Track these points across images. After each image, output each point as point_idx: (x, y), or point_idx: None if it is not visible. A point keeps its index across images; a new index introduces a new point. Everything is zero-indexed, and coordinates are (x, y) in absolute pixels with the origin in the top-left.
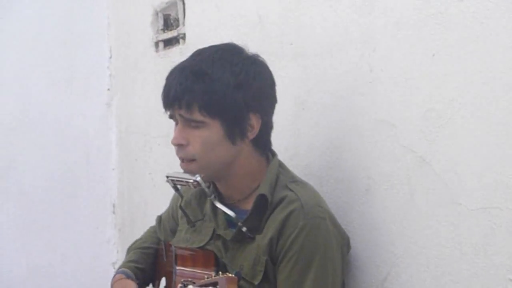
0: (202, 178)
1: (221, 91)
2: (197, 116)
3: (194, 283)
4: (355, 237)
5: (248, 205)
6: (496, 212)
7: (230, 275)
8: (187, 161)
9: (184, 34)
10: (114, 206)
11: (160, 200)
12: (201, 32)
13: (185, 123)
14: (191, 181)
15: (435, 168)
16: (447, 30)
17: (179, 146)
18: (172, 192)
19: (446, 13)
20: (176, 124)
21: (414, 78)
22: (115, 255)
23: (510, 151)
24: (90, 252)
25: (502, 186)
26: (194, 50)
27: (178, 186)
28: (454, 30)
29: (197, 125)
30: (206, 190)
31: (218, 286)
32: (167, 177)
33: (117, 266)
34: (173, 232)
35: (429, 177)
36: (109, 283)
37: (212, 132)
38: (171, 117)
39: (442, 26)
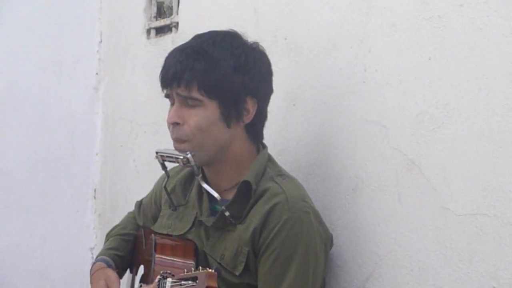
0: (192, 157)
1: (221, 71)
2: (195, 94)
3: (173, 275)
4: (339, 236)
5: (232, 195)
6: (483, 218)
7: (210, 270)
8: (181, 142)
9: (177, 22)
10: (95, 191)
11: (142, 187)
12: (194, 22)
13: (182, 102)
14: (181, 157)
15: (424, 172)
16: (444, 34)
17: (175, 125)
18: (156, 180)
19: (445, 17)
20: (172, 104)
21: (409, 80)
22: (93, 240)
23: (500, 159)
24: (69, 236)
25: (491, 193)
26: (186, 39)
27: (166, 164)
28: (452, 35)
29: (194, 104)
30: (195, 168)
31: (197, 281)
32: (157, 153)
33: (95, 251)
34: (154, 218)
35: (418, 181)
36: (86, 268)
37: (208, 112)
38: (167, 96)
39: (439, 30)
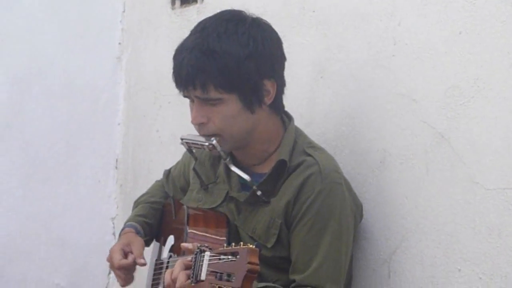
0: (218, 142)
1: (234, 65)
2: (214, 94)
3: (210, 249)
4: (367, 209)
5: (263, 169)
6: None
7: (251, 246)
8: (210, 137)
9: None
10: (117, 161)
11: (166, 158)
12: None
13: (202, 102)
14: (207, 144)
15: (453, 146)
16: (476, 8)
17: (200, 125)
18: (179, 151)
19: None
20: (192, 101)
21: (439, 54)
22: (114, 210)
23: None
24: (90, 205)
25: None
26: (212, 10)
27: (193, 149)
28: (483, 9)
29: (215, 102)
30: (222, 153)
31: (238, 256)
32: (182, 139)
33: (116, 221)
34: (183, 190)
35: (447, 154)
36: (107, 237)
37: (230, 106)
38: (185, 96)
39: (471, 3)
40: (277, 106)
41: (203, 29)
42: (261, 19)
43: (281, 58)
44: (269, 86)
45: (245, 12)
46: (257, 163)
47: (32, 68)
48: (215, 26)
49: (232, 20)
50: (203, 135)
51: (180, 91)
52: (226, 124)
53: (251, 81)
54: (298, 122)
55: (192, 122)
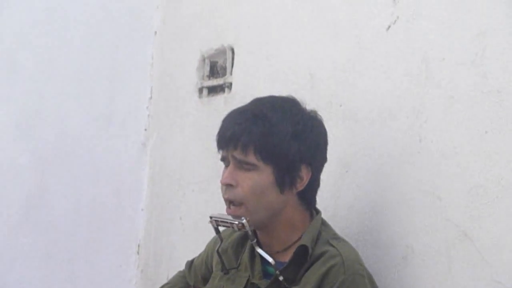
0: (247, 222)
1: (279, 137)
2: (251, 158)
3: None
4: None
5: (286, 258)
6: None
7: None
8: (234, 206)
9: (231, 83)
10: (139, 246)
11: (189, 245)
12: (249, 83)
13: (237, 165)
14: (236, 222)
15: (476, 244)
16: (502, 108)
17: (228, 187)
18: (202, 239)
19: (504, 91)
20: (227, 166)
21: (464, 153)
22: None
23: None
24: None
25: None
26: (240, 100)
27: (220, 229)
28: (510, 110)
29: (249, 168)
30: (250, 233)
31: None
32: (211, 217)
33: None
34: (204, 279)
35: (470, 252)
36: None
37: (262, 176)
38: (222, 159)
39: (497, 104)
40: (308, 199)
41: (259, 100)
42: (317, 113)
43: (323, 155)
44: (304, 173)
45: (303, 104)
46: (280, 250)
47: (58, 150)
48: (272, 100)
49: (289, 101)
50: (228, 199)
51: (219, 150)
52: (253, 193)
53: (289, 159)
54: (322, 215)
55: (222, 182)
